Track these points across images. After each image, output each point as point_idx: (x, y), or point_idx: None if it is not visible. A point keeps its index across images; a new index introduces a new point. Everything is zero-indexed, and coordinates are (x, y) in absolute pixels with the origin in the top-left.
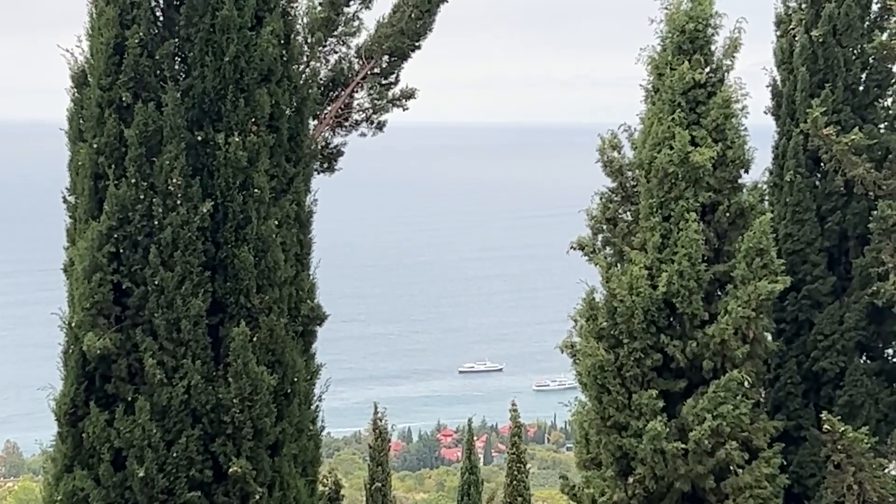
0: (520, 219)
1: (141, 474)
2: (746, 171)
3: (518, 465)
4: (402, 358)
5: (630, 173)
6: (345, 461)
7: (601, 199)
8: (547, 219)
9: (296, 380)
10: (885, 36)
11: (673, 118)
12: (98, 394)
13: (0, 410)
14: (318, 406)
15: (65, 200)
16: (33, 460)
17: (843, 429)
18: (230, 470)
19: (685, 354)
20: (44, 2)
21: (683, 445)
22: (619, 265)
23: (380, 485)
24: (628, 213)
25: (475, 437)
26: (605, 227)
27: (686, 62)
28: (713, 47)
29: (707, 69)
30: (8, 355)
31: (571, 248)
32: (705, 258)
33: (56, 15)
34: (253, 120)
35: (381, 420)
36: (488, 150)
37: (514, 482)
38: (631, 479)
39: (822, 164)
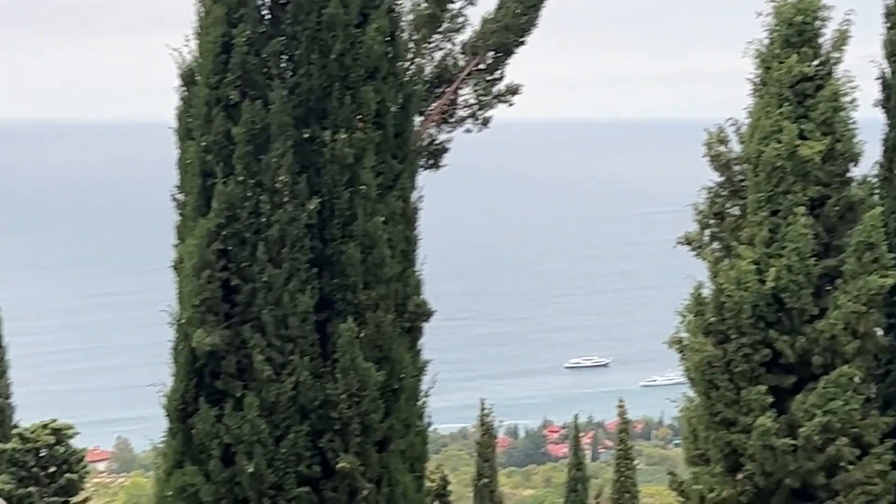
0: (627, 216)
1: (250, 470)
2: (856, 165)
3: (625, 461)
4: (509, 354)
5: (737, 167)
6: (452, 457)
7: (708, 193)
8: (654, 215)
9: (403, 376)
10: None
11: (781, 112)
12: (207, 390)
13: (111, 411)
14: (424, 402)
15: (173, 198)
16: (144, 456)
17: None
18: (338, 466)
19: (794, 350)
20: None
21: (793, 441)
22: (726, 260)
23: (487, 480)
24: (736, 208)
25: (582, 434)
26: (712, 221)
27: (794, 55)
28: (821, 40)
29: (815, 62)
30: (117, 353)
31: (679, 243)
32: (814, 253)
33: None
34: (359, 117)
35: (487, 416)
36: (593, 146)
37: (622, 478)
38: (740, 476)
39: None
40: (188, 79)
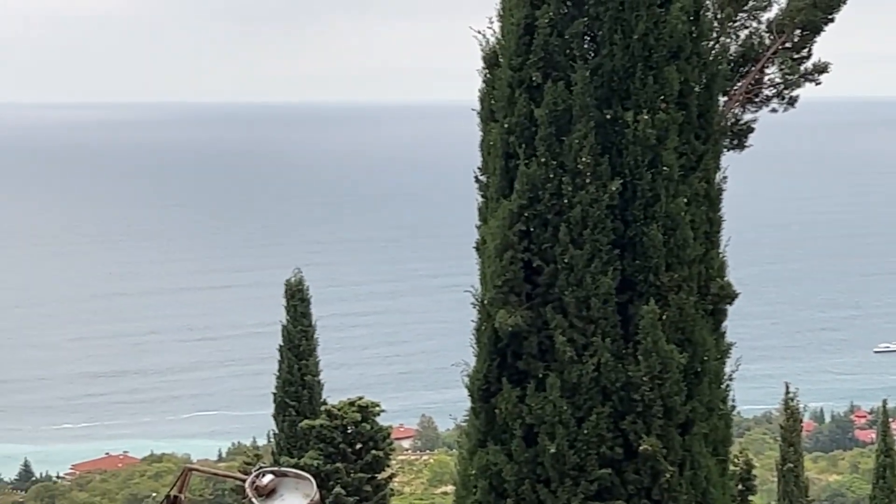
0: None
1: (552, 450)
2: None
3: None
4: (814, 338)
5: None
6: (755, 441)
7: None
8: None
9: (706, 358)
10: None
11: None
12: (510, 370)
13: (415, 391)
14: (728, 385)
15: (476, 180)
16: (447, 434)
17: None
18: (641, 448)
19: None
20: None
21: None
22: None
23: (792, 465)
24: None
25: (891, 419)
26: None
27: None
28: None
29: None
30: (419, 337)
31: None
32: None
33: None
34: (662, 97)
35: (792, 400)
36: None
37: None
38: None
39: None
40: (491, 61)
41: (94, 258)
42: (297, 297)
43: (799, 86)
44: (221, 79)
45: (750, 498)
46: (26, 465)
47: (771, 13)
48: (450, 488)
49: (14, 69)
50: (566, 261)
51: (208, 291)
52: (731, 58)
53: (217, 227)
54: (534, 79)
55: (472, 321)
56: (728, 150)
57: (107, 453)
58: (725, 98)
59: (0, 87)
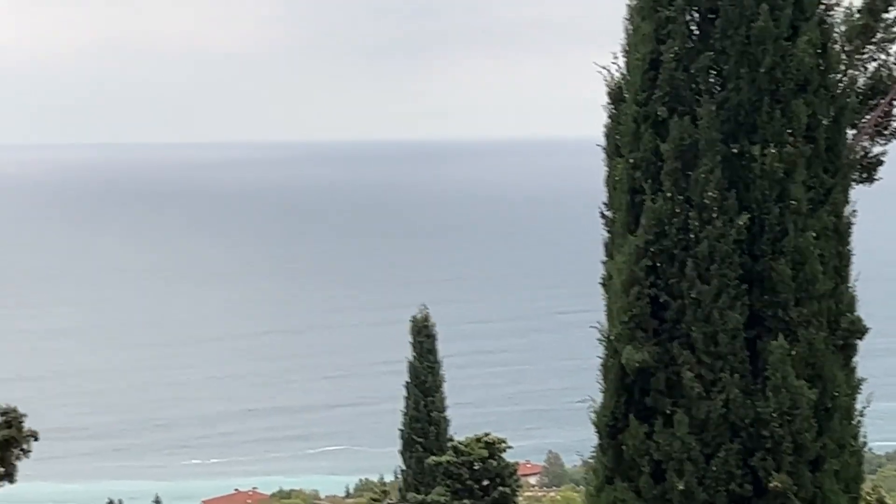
0: None
1: (681, 487)
2: None
3: None
4: None
5: None
6: (888, 478)
7: None
8: None
9: (836, 394)
10: None
11: None
12: (637, 406)
13: (541, 426)
14: (859, 421)
15: (602, 215)
16: (574, 471)
17: None
18: (770, 485)
19: None
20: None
21: None
22: None
23: None
24: None
25: None
26: None
27: None
28: None
29: None
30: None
31: None
32: None
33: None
34: (789, 131)
35: None
36: None
37: None
38: None
39: None
40: (616, 96)
41: (221, 296)
42: (423, 334)
43: None
44: (346, 116)
45: None
46: (157, 501)
47: None
48: None
49: (143, 110)
50: (693, 296)
51: (335, 329)
52: (860, 90)
53: (340, 266)
54: (659, 113)
55: (599, 357)
56: (857, 184)
57: (236, 489)
58: (854, 131)
59: (127, 128)
